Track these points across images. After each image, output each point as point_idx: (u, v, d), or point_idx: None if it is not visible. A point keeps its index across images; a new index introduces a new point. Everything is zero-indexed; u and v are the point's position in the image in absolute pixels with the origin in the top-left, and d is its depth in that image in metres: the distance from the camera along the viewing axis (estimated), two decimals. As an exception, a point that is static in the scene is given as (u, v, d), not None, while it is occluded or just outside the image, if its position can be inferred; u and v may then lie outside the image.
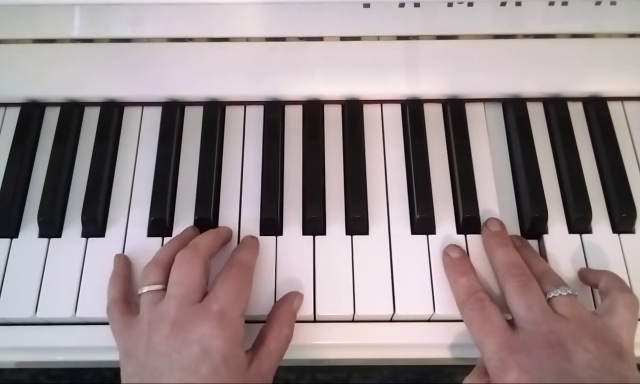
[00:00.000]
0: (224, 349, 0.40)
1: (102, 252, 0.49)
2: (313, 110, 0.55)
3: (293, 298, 0.46)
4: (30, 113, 0.55)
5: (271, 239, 0.49)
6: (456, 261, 0.47)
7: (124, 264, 0.48)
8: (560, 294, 0.42)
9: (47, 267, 0.48)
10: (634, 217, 0.50)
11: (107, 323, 0.47)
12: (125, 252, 0.49)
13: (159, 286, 0.43)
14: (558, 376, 0.38)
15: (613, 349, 0.39)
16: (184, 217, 0.50)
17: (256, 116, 0.55)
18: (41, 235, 0.50)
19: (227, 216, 0.50)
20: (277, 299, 0.46)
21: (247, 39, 0.55)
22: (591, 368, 0.38)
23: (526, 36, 0.54)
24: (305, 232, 0.49)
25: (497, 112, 0.55)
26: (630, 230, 0.50)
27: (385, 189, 0.51)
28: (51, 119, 0.55)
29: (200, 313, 0.41)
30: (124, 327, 0.43)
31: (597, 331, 0.40)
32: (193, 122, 0.55)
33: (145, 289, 0.43)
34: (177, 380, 0.38)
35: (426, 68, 0.54)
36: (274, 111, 0.55)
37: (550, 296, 0.42)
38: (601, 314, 0.42)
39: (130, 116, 0.55)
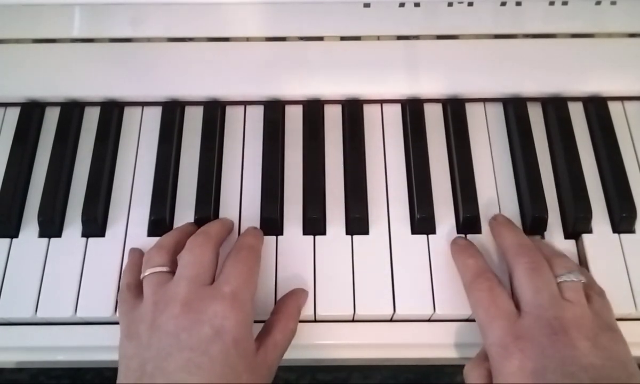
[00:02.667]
0: (236, 331, 0.39)
1: (102, 252, 0.49)
2: (313, 110, 0.55)
3: (299, 294, 0.46)
4: (30, 113, 0.55)
5: (271, 238, 0.49)
6: (464, 247, 0.47)
7: (138, 255, 0.48)
8: (572, 280, 0.42)
9: (47, 267, 0.48)
10: (634, 217, 0.50)
11: (107, 323, 0.47)
12: (125, 252, 0.49)
13: (164, 268, 0.43)
14: (562, 363, 0.38)
15: (611, 335, 0.40)
16: (184, 217, 0.50)
17: (256, 115, 0.55)
18: (41, 235, 0.50)
19: (227, 216, 0.50)
20: (277, 299, 0.46)
21: (247, 39, 0.55)
22: (593, 355, 0.38)
23: (526, 36, 0.54)
24: (305, 232, 0.49)
25: (498, 111, 0.55)
26: (630, 230, 0.50)
27: (385, 189, 0.51)
28: (51, 119, 0.55)
29: (212, 293, 0.40)
30: (130, 309, 0.43)
31: (595, 318, 0.41)
32: (193, 122, 0.55)
33: (148, 271, 0.43)
34: (185, 360, 0.38)
35: (426, 68, 0.54)
36: (274, 110, 0.55)
37: (560, 280, 0.42)
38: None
39: (130, 115, 0.55)
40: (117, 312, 0.45)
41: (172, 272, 0.43)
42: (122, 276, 0.46)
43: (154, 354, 0.39)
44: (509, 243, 0.45)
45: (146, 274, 0.43)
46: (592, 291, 0.44)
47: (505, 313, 0.41)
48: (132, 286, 0.45)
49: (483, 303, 0.43)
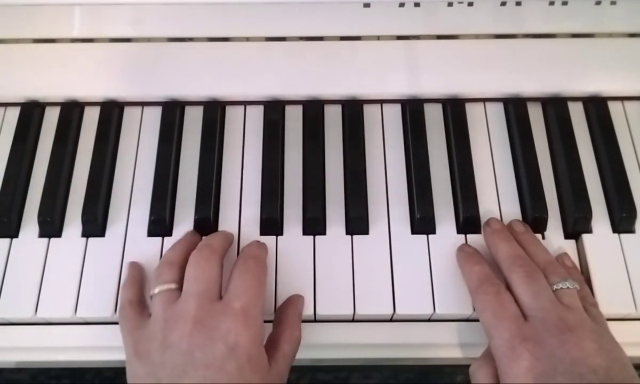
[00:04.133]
0: (249, 347, 0.39)
1: (102, 252, 0.49)
2: (313, 110, 0.55)
3: (296, 300, 0.46)
4: (30, 113, 0.55)
5: (271, 239, 0.49)
6: (470, 254, 0.47)
7: (138, 270, 0.47)
8: (567, 287, 0.43)
9: (47, 267, 0.48)
10: (634, 217, 0.50)
11: (107, 323, 0.47)
12: (125, 253, 0.49)
13: (173, 285, 0.43)
14: (570, 364, 0.38)
15: (611, 339, 0.41)
16: (184, 217, 0.50)
17: (256, 115, 0.55)
18: (41, 235, 0.50)
19: (227, 216, 0.50)
20: (278, 299, 0.46)
21: (247, 39, 0.55)
22: (600, 357, 0.39)
23: (526, 36, 0.54)
24: (305, 232, 0.49)
25: (498, 111, 0.55)
26: (630, 230, 0.50)
27: (385, 189, 0.51)
28: (51, 119, 0.55)
29: (223, 310, 0.40)
30: (136, 327, 0.42)
31: (595, 323, 0.41)
32: (193, 122, 0.55)
33: (157, 289, 0.43)
34: (201, 378, 0.38)
35: (426, 68, 0.54)
36: (274, 111, 0.55)
37: (556, 288, 0.43)
38: None
39: (130, 115, 0.55)
40: (121, 328, 0.44)
41: (181, 288, 0.43)
42: (121, 291, 0.46)
43: (168, 372, 0.38)
44: (503, 255, 0.46)
45: (155, 291, 0.43)
46: (585, 302, 0.44)
47: (512, 315, 0.41)
48: (135, 303, 0.45)
49: (490, 306, 0.43)
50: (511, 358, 0.40)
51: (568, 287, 0.43)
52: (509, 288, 0.44)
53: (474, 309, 0.45)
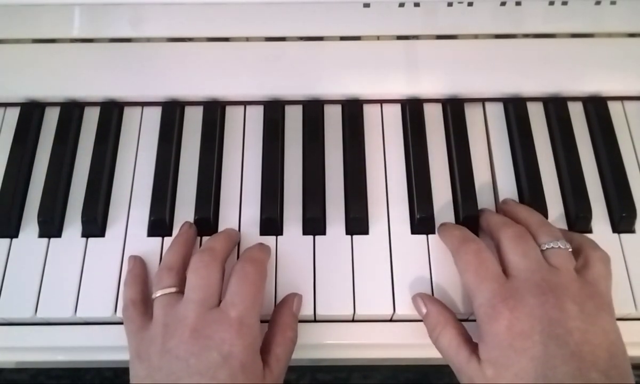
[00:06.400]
0: (243, 356, 0.40)
1: (102, 252, 0.49)
2: (313, 110, 0.55)
3: (292, 299, 0.46)
4: (30, 113, 0.55)
5: (271, 239, 0.49)
6: (450, 224, 0.48)
7: (140, 265, 0.47)
8: (559, 247, 0.43)
9: (47, 267, 0.48)
10: (634, 216, 0.50)
11: (107, 323, 0.47)
12: (125, 253, 0.49)
13: (173, 289, 0.43)
14: (549, 324, 0.39)
15: (597, 303, 0.41)
16: (184, 217, 0.50)
17: (256, 115, 0.55)
18: (41, 235, 0.50)
19: (227, 216, 0.50)
20: (277, 299, 0.46)
21: (247, 39, 0.55)
22: (578, 320, 0.39)
23: (526, 36, 0.54)
24: (305, 232, 0.49)
25: (498, 111, 0.55)
26: (630, 230, 0.50)
27: (385, 189, 0.51)
28: (51, 119, 0.55)
29: (219, 319, 0.41)
30: (139, 329, 0.43)
31: (583, 286, 0.41)
32: (193, 122, 0.55)
33: (159, 293, 0.43)
34: None
35: (426, 68, 0.54)
36: (274, 110, 0.55)
37: (546, 247, 0.43)
38: (578, 270, 0.43)
39: (130, 115, 0.55)
40: (125, 329, 0.44)
41: (182, 291, 0.43)
42: (125, 289, 0.46)
43: (165, 376, 0.39)
44: (493, 222, 0.46)
45: (157, 295, 0.43)
46: (594, 258, 0.43)
47: (494, 275, 0.42)
48: (138, 302, 0.45)
49: (471, 265, 0.43)
50: (491, 316, 0.40)
51: (559, 247, 0.43)
52: (498, 252, 0.44)
53: (468, 297, 0.45)
